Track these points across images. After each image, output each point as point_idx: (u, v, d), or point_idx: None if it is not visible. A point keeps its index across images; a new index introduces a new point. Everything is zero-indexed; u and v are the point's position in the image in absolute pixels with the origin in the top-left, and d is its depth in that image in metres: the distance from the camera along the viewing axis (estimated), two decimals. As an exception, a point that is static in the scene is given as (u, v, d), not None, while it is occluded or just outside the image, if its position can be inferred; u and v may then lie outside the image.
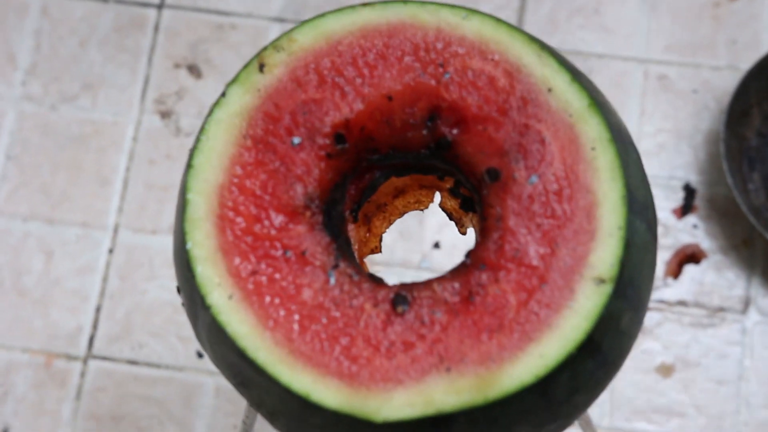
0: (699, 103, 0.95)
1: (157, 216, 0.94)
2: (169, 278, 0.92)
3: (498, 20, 0.52)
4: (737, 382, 0.88)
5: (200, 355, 0.90)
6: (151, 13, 0.99)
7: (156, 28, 0.98)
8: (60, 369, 0.90)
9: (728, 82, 0.95)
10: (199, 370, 0.89)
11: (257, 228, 0.51)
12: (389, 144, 0.53)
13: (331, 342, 0.49)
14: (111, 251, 0.93)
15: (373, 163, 0.54)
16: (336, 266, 0.51)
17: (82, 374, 0.90)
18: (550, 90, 0.51)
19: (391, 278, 0.91)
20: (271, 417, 0.51)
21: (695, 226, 0.92)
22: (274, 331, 0.49)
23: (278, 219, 0.51)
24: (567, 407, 0.50)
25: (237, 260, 0.50)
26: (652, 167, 0.94)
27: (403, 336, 0.49)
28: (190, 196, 0.51)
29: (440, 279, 0.50)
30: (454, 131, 0.52)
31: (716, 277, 0.91)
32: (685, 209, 0.92)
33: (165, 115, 0.96)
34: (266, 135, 0.52)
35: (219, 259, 0.50)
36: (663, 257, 0.92)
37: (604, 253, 0.49)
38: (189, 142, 0.95)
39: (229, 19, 0.98)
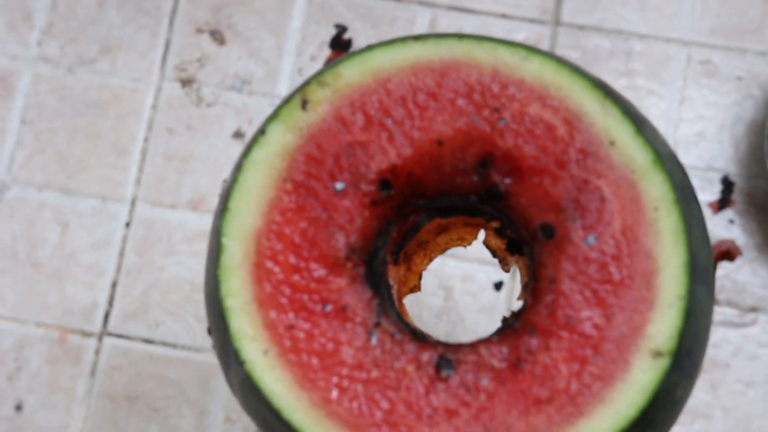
0: (743, 91, 0.91)
1: (176, 189, 0.91)
2: (187, 255, 0.89)
3: (559, 62, 0.49)
4: (767, 385, 0.86)
5: (218, 335, 0.88)
6: (173, -28, 0.94)
7: (178, -11, 0.94)
8: (74, 345, 0.88)
9: (774, 70, 0.91)
10: (217, 352, 0.87)
11: (296, 279, 0.48)
12: (437, 189, 0.50)
13: (370, 406, 0.47)
14: (128, 225, 0.90)
15: (418, 207, 0.50)
16: (378, 324, 0.48)
17: (97, 351, 0.88)
18: (612, 143, 0.48)
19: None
20: (304, 472, 0.49)
21: (731, 221, 0.89)
22: (312, 391, 0.47)
23: (318, 270, 0.48)
24: (613, 478, 0.48)
25: (273, 313, 0.48)
26: (689, 157, 0.91)
27: (447, 403, 0.47)
28: (225, 240, 0.48)
29: (487, 342, 0.48)
30: (507, 181, 0.49)
31: (750, 276, 0.88)
32: (722, 203, 0.89)
33: (186, 82, 0.92)
34: (308, 179, 0.48)
35: (255, 311, 0.48)
36: (697, 252, 0.89)
37: (663, 325, 0.46)
38: (210, 112, 0.92)
39: (255, -18, 0.94)
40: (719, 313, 0.87)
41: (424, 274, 0.88)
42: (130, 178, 0.91)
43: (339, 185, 0.48)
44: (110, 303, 0.89)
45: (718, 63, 0.92)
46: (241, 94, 0.92)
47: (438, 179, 0.49)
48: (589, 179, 0.48)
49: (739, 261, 0.88)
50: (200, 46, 0.93)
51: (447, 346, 0.48)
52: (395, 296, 0.52)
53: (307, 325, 0.48)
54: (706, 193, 0.90)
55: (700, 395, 0.86)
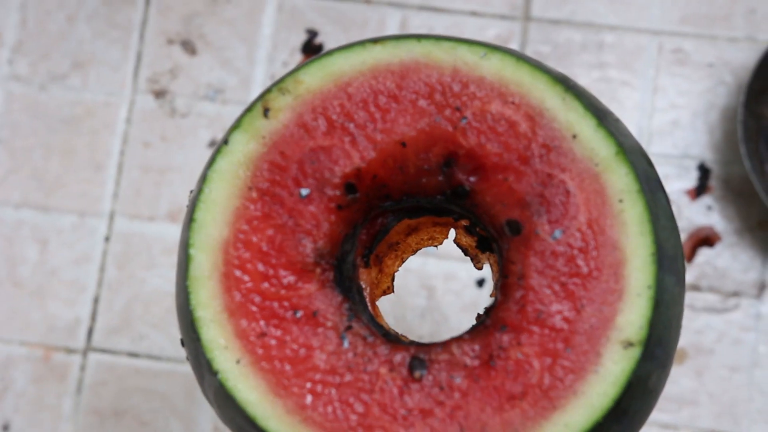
0: (715, 78, 0.91)
1: (154, 201, 0.91)
2: (168, 267, 0.89)
3: (519, 59, 0.49)
4: (751, 369, 0.86)
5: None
6: (142, -16, 0.94)
7: (147, 2, 0.94)
8: (59, 363, 0.88)
9: (746, 55, 0.91)
10: (202, 362, 0.87)
11: (265, 287, 0.48)
12: (402, 190, 0.50)
13: (345, 410, 0.47)
14: (107, 239, 0.90)
15: (384, 209, 0.51)
16: (349, 327, 0.48)
17: (82, 368, 0.88)
18: (574, 136, 0.48)
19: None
20: (284, 479, 0.49)
21: (709, 208, 0.90)
22: (286, 398, 0.47)
23: (287, 277, 0.48)
24: (591, 470, 0.48)
25: (244, 322, 0.48)
26: (665, 145, 0.91)
27: (421, 403, 0.47)
28: (193, 252, 0.48)
29: (459, 340, 0.48)
30: (472, 179, 0.49)
31: (730, 261, 0.88)
32: (699, 190, 0.90)
33: (159, 94, 0.92)
34: (272, 186, 0.49)
35: (225, 321, 0.48)
36: (676, 240, 0.89)
37: (633, 315, 0.46)
38: (185, 123, 0.92)
39: (224, -9, 0.94)
40: (702, 299, 0.88)
41: (406, 274, 0.88)
42: (107, 192, 0.91)
43: (304, 191, 0.49)
44: (93, 318, 0.89)
45: (689, 51, 0.92)
46: (215, 104, 0.92)
47: (403, 180, 0.49)
48: (553, 173, 0.48)
49: (719, 247, 0.89)
50: (172, 58, 0.93)
51: (419, 346, 0.48)
52: (368, 299, 0.53)
53: (278, 333, 0.48)
54: (683, 180, 0.90)
55: (685, 382, 0.86)
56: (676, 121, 0.91)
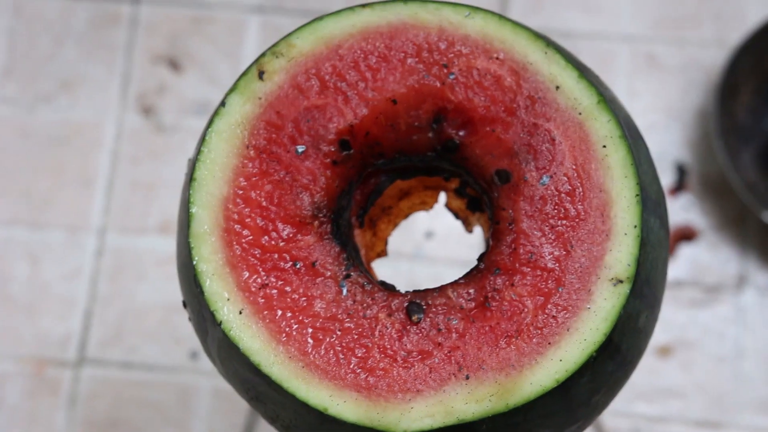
0: (687, 80, 0.94)
1: (143, 216, 0.92)
2: (159, 278, 0.90)
3: (501, 17, 0.51)
4: (735, 361, 0.88)
5: (194, 356, 0.89)
6: (126, 8, 0.97)
7: (132, 23, 0.96)
8: (52, 376, 0.89)
9: (715, 56, 0.94)
10: (195, 372, 0.88)
11: (265, 240, 0.50)
12: (395, 148, 0.52)
13: (346, 354, 0.48)
14: (98, 254, 0.91)
15: (378, 167, 0.52)
16: (348, 276, 0.49)
17: (75, 380, 0.88)
18: (558, 88, 0.50)
19: (385, 269, 0.90)
20: (287, 431, 0.51)
21: (688, 205, 0.92)
22: (288, 345, 0.48)
23: (286, 230, 0.50)
24: (587, 409, 0.50)
25: (245, 274, 0.49)
26: (642, 147, 0.93)
27: (420, 345, 0.48)
28: (194, 210, 0.50)
29: (454, 285, 0.49)
30: (461, 133, 0.51)
31: (711, 255, 0.90)
32: (678, 188, 0.92)
33: (146, 111, 0.94)
34: (269, 144, 0.50)
35: (227, 274, 0.49)
36: (657, 237, 0.91)
37: (620, 253, 0.48)
38: (172, 139, 0.94)
39: (207, 12, 0.96)
40: (684, 294, 0.90)
41: (394, 277, 0.90)
42: (97, 207, 0.92)
43: (300, 148, 0.50)
44: (85, 331, 0.90)
45: (661, 55, 0.95)
46: (201, 119, 0.94)
47: (395, 138, 0.51)
48: (539, 123, 0.50)
49: (699, 243, 0.91)
50: (158, 75, 0.95)
51: (416, 292, 0.50)
52: (363, 259, 0.54)
53: (279, 283, 0.49)
54: (662, 179, 0.92)
55: (672, 375, 0.88)
56: (653, 124, 0.94)
